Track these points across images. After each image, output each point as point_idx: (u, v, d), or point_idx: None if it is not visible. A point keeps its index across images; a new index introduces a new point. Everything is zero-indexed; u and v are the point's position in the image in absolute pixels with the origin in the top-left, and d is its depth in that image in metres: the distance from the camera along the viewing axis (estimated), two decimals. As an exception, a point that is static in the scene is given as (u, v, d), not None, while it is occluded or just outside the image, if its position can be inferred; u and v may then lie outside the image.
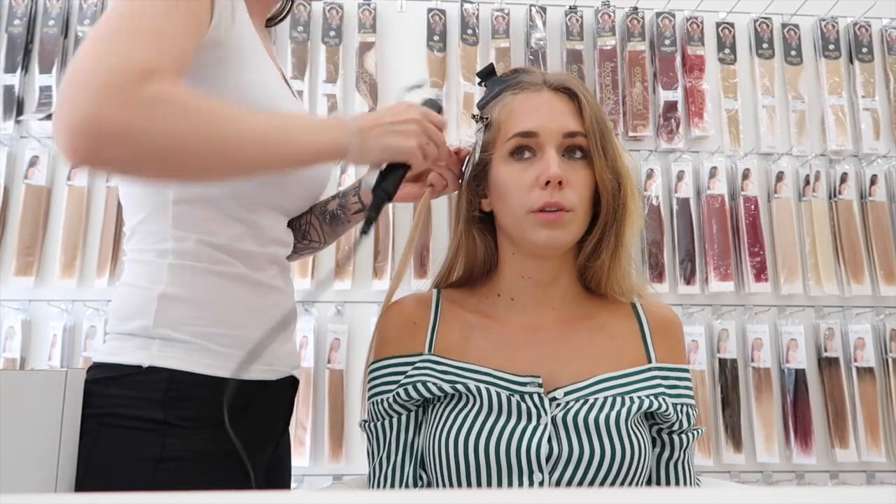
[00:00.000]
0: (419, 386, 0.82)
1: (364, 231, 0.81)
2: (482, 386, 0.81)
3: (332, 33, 1.93)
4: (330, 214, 1.03)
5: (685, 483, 0.85)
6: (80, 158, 0.59)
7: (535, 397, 0.80)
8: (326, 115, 1.86)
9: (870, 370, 1.86)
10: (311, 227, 1.02)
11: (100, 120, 0.58)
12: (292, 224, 0.94)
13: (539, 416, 0.79)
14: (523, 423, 0.79)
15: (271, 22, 0.99)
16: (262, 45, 0.85)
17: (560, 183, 0.81)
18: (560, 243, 0.84)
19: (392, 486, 0.83)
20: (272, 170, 0.74)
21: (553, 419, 0.79)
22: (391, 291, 0.92)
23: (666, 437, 0.85)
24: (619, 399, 0.80)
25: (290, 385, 0.90)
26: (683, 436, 0.85)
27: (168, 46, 0.65)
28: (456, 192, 0.95)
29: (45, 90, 1.82)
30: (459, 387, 0.81)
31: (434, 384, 0.82)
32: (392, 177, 0.83)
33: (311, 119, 0.77)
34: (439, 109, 0.88)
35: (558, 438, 0.78)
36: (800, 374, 1.84)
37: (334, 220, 1.03)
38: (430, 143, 0.83)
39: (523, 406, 0.79)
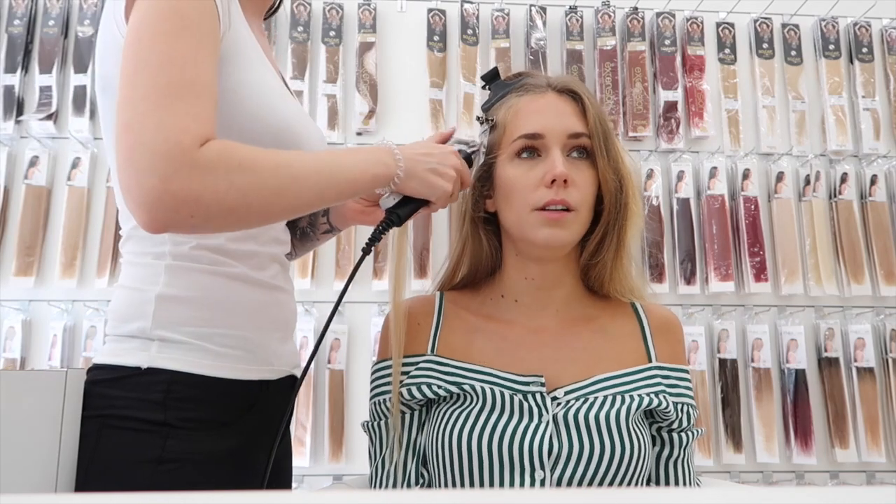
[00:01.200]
0: (423, 387, 0.83)
1: (366, 251, 0.83)
2: (485, 386, 0.81)
3: (332, 33, 1.93)
4: (300, 231, 1.04)
5: (685, 482, 0.85)
6: (158, 226, 0.65)
7: (538, 396, 0.81)
8: (326, 115, 1.87)
9: (870, 370, 1.86)
10: None
11: (172, 192, 0.63)
12: None
13: (541, 415, 0.79)
14: (525, 421, 0.79)
15: (265, 16, 0.98)
16: (259, 45, 0.85)
17: (565, 181, 0.82)
18: (561, 243, 0.84)
19: (394, 485, 0.83)
20: (328, 203, 0.77)
21: (554, 417, 0.79)
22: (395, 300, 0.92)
23: (666, 436, 0.85)
24: (619, 397, 0.81)
25: (290, 385, 0.90)
26: (683, 434, 0.85)
27: (210, 103, 0.68)
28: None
29: (45, 90, 1.82)
30: (465, 387, 0.81)
31: (438, 385, 0.82)
32: (410, 207, 0.84)
33: (358, 151, 0.79)
34: (470, 164, 0.90)
35: (559, 436, 0.78)
36: (800, 374, 1.84)
37: (304, 236, 1.05)
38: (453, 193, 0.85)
39: (525, 404, 0.80)
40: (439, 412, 0.83)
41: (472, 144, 0.91)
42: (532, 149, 0.85)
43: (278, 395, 0.86)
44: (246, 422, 0.80)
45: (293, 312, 0.92)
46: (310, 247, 1.07)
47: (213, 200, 0.65)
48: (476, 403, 0.81)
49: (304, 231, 1.04)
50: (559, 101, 0.87)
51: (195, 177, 0.64)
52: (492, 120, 0.90)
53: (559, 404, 0.80)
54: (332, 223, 1.03)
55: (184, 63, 0.67)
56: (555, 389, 0.82)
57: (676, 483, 0.85)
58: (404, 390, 0.84)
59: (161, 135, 0.63)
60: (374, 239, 0.83)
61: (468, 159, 0.90)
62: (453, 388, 0.82)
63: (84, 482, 0.74)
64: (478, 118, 0.93)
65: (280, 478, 0.90)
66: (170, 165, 0.63)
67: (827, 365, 1.86)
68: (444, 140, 0.92)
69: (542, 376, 0.82)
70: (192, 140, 0.64)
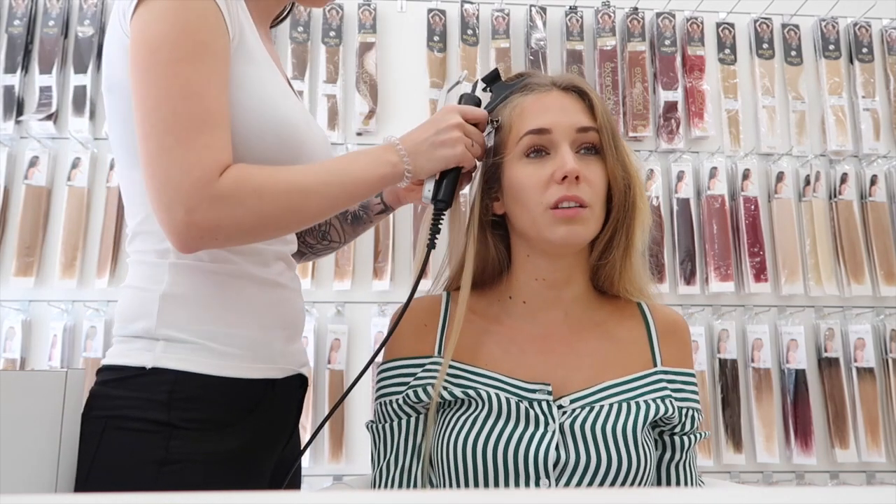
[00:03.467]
0: (429, 389, 0.82)
1: (430, 245, 0.86)
2: (492, 391, 0.81)
3: (332, 33, 1.92)
4: (352, 215, 1.03)
5: (688, 485, 0.85)
6: (189, 250, 0.74)
7: (544, 404, 0.80)
8: (326, 115, 1.87)
9: (870, 370, 1.86)
10: (330, 228, 1.03)
11: (196, 222, 0.71)
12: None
13: (547, 423, 0.79)
14: (531, 429, 0.78)
15: (272, 24, 0.98)
16: (266, 48, 0.85)
17: (577, 178, 0.80)
18: (579, 239, 0.82)
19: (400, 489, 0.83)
20: (340, 209, 0.83)
21: (560, 426, 0.79)
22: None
23: (668, 439, 0.84)
24: (624, 405, 0.80)
25: (298, 385, 0.90)
26: (686, 438, 0.84)
27: (226, 130, 0.74)
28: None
29: (45, 90, 1.82)
30: (471, 392, 0.81)
31: (445, 389, 0.82)
32: (448, 183, 0.85)
33: (366, 154, 0.82)
34: (478, 103, 0.90)
35: (565, 446, 0.78)
36: (800, 375, 1.84)
37: (356, 220, 1.04)
38: (473, 143, 0.85)
39: (531, 412, 0.79)
40: (445, 417, 0.82)
41: (459, 77, 0.93)
42: (540, 148, 0.84)
43: (285, 394, 0.86)
44: (251, 422, 0.80)
45: (300, 311, 0.91)
46: (362, 230, 1.07)
47: (233, 225, 0.73)
48: (482, 409, 0.80)
49: (357, 215, 1.03)
50: (565, 98, 0.86)
51: (215, 208, 0.71)
52: (496, 121, 0.88)
53: (565, 413, 0.80)
54: (387, 202, 1.02)
55: (202, 93, 0.72)
56: (561, 397, 0.81)
57: (678, 486, 0.84)
58: (411, 392, 0.83)
59: (184, 171, 0.70)
60: (435, 231, 0.85)
61: (472, 100, 0.90)
62: (459, 393, 0.81)
63: (86, 483, 0.73)
64: None
65: (292, 478, 0.89)
66: (192, 200, 0.70)
67: (827, 365, 1.86)
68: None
69: (549, 384, 0.81)
70: (212, 173, 0.71)
